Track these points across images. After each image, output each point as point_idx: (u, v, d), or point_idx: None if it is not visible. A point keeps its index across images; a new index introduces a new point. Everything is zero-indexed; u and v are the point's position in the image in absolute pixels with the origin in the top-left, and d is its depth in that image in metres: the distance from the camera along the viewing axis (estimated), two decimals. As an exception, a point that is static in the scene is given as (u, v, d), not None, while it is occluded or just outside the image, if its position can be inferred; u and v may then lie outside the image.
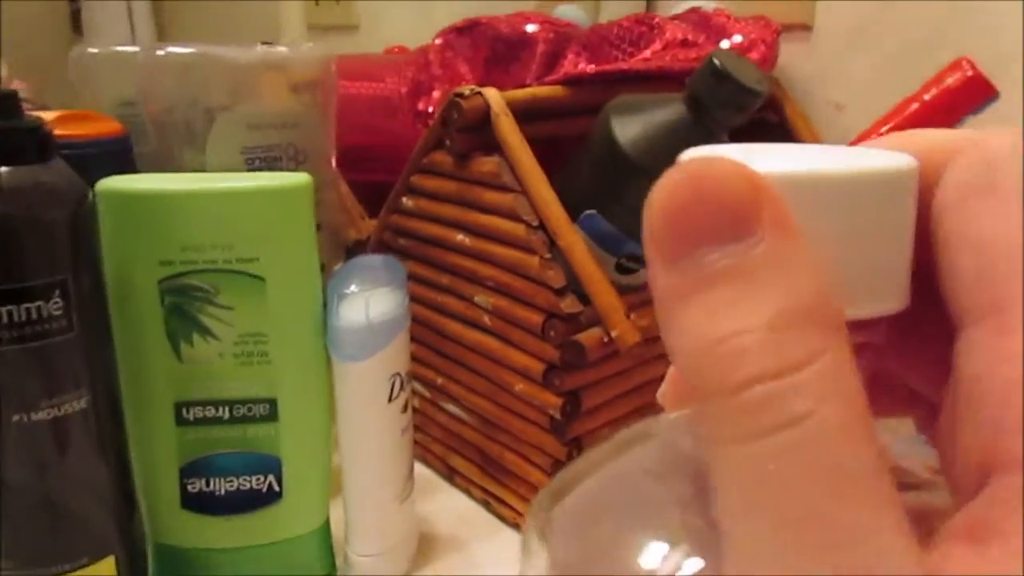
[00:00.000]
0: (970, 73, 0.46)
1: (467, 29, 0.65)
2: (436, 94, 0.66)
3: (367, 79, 0.67)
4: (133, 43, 0.65)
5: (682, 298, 0.12)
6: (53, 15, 0.67)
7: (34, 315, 0.29)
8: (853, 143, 0.48)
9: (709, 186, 0.11)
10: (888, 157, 0.13)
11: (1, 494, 0.30)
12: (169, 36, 0.70)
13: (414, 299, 0.49)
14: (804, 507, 0.11)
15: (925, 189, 0.13)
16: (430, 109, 0.65)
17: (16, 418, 0.29)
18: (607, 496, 0.15)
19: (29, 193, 0.29)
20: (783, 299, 0.11)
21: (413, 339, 0.50)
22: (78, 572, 0.32)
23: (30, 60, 0.59)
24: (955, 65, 0.47)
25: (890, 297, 0.13)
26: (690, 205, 0.12)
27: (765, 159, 0.12)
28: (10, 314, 0.28)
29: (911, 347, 0.15)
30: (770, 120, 0.56)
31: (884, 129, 0.46)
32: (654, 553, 0.13)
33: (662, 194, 0.12)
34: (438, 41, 0.65)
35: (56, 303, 0.29)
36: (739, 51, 0.55)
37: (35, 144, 0.29)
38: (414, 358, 0.50)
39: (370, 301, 0.37)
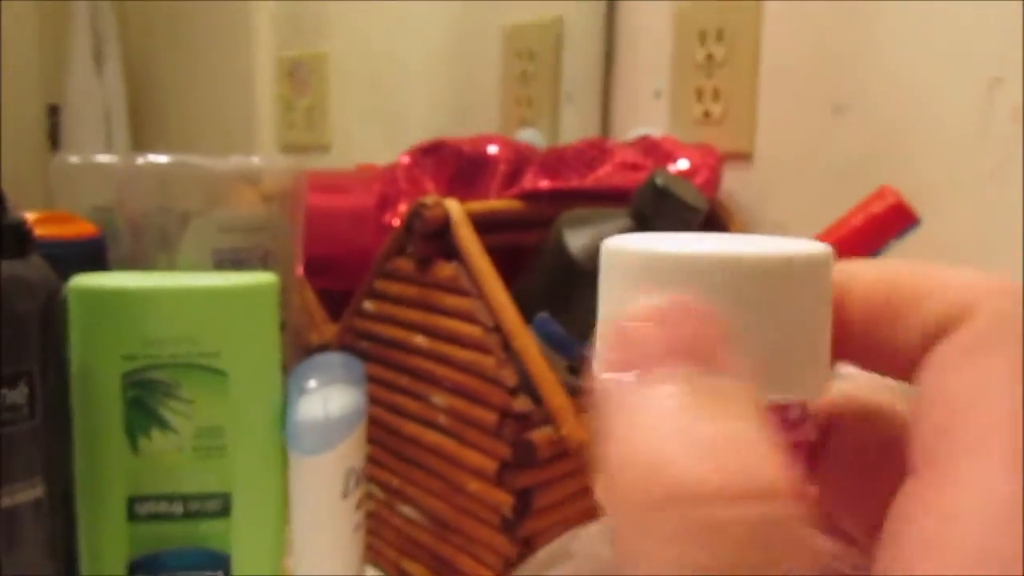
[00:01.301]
0: (892, 201, 0.50)
1: (433, 150, 0.69)
2: (402, 207, 0.69)
3: (336, 192, 0.71)
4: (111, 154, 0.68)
5: (634, 411, 0.12)
6: (31, 128, 0.70)
7: (-2, 401, 0.29)
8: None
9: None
10: (804, 244, 0.13)
11: (-55, 584, 0.30)
12: (146, 150, 0.73)
13: (374, 401, 0.50)
14: None
15: (890, 321, 0.14)
16: (395, 222, 0.68)
17: (-31, 504, 0.29)
18: None
19: (5, 285, 0.30)
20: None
21: (371, 441, 0.51)
22: (15, 670, 0.31)
23: (6, 172, 0.61)
24: (879, 193, 0.51)
25: (809, 384, 0.13)
26: (643, 326, 0.12)
27: (680, 243, 0.13)
28: (-25, 399, 0.29)
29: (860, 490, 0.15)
30: (715, 237, 0.59)
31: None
32: None
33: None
34: (405, 159, 0.69)
35: (22, 392, 0.30)
36: (685, 175, 0.59)
37: (15, 239, 0.31)
38: (372, 460, 0.51)
39: (329, 396, 0.38)
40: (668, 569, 0.11)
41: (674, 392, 0.11)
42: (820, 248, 0.13)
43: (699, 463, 0.11)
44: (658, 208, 0.41)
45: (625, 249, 0.14)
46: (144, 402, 0.36)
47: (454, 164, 0.67)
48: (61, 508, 0.33)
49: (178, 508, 0.37)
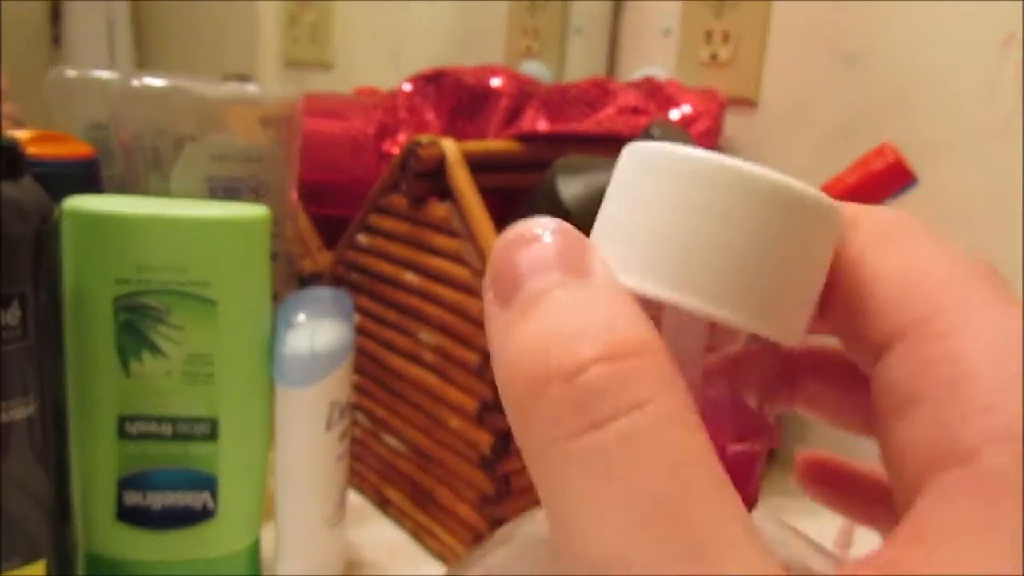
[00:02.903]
0: (892, 159, 0.50)
1: (435, 78, 0.68)
2: (401, 137, 0.69)
3: (335, 118, 0.70)
4: (112, 66, 0.67)
5: (515, 322, 0.12)
6: (35, 36, 0.69)
7: (-9, 322, 0.30)
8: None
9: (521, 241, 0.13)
10: (823, 195, 0.13)
11: (-60, 493, 0.31)
12: (149, 62, 0.72)
13: (362, 333, 0.51)
14: (660, 504, 0.10)
15: None
16: (394, 151, 0.68)
17: (-37, 420, 0.30)
18: None
19: (-2, 207, 0.30)
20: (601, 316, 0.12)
21: (358, 371, 0.52)
22: (10, 573, 0.33)
23: (11, 77, 0.61)
24: (879, 150, 0.51)
25: (789, 328, 0.13)
26: (513, 253, 0.13)
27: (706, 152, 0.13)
28: (-32, 320, 0.30)
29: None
30: (712, 186, 0.59)
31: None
32: None
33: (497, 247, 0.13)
34: (407, 87, 0.68)
35: (14, 313, 0.31)
36: (686, 120, 0.58)
37: (8, 161, 0.31)
38: (359, 389, 0.52)
39: (316, 331, 0.39)
40: (555, 442, 0.11)
41: (544, 297, 0.12)
42: (837, 203, 0.13)
43: (571, 343, 0.11)
44: (653, 161, 0.41)
45: (649, 147, 0.14)
46: (135, 326, 0.37)
47: (456, 95, 0.66)
48: (53, 426, 0.34)
49: (167, 429, 0.38)
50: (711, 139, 0.58)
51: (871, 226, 0.14)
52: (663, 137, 0.40)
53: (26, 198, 0.31)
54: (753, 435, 0.13)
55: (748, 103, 0.67)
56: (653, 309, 0.12)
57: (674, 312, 0.13)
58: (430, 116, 0.68)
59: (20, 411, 0.32)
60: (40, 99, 0.51)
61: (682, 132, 0.43)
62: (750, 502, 0.14)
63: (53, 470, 0.34)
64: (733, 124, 0.64)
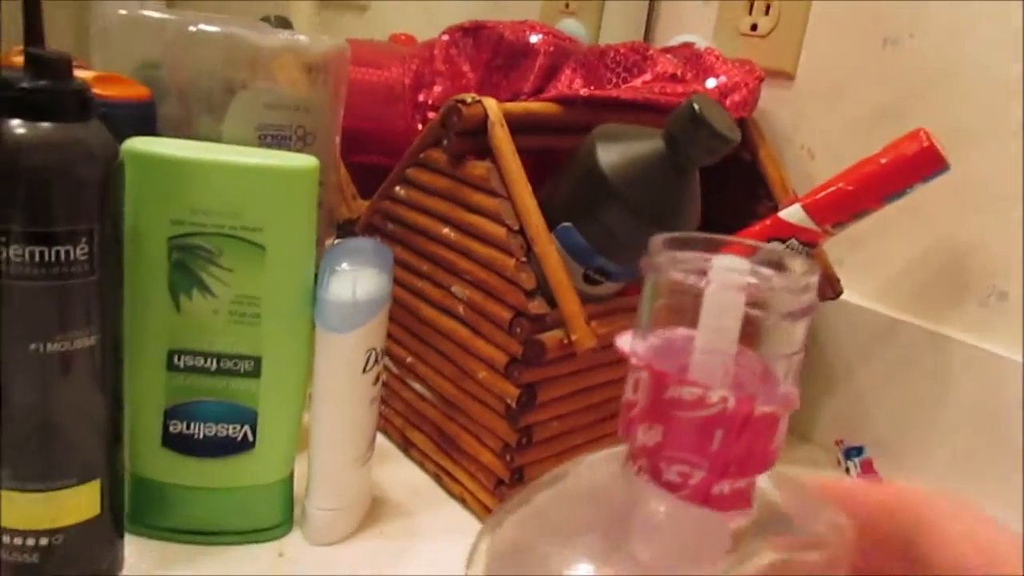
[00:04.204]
0: (925, 144, 0.51)
1: (473, 30, 0.69)
2: (437, 88, 0.69)
3: (372, 66, 0.71)
4: (142, 6, 0.67)
5: None
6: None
7: (62, 258, 0.32)
8: (816, 190, 0.52)
9: None
10: None
11: (8, 412, 0.33)
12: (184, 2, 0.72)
13: (395, 281, 0.53)
14: None
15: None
16: (429, 101, 0.69)
17: (33, 347, 0.32)
18: (537, 523, 0.17)
19: (69, 149, 0.32)
20: None
21: (390, 318, 0.54)
22: (66, 491, 0.35)
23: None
24: (913, 135, 0.51)
25: None
26: None
27: None
28: (41, 254, 0.31)
29: None
30: (743, 158, 0.60)
31: (842, 184, 0.51)
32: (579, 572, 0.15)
33: None
34: (444, 38, 0.68)
35: (82, 249, 0.32)
36: (722, 91, 0.59)
37: (78, 104, 0.32)
38: (388, 336, 0.54)
39: (358, 279, 0.41)
40: None
41: None
42: None
43: None
44: (691, 134, 0.42)
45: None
46: (187, 265, 0.39)
47: (493, 49, 0.66)
48: (112, 355, 0.36)
49: (212, 364, 0.40)
50: (746, 111, 0.59)
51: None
52: (703, 113, 0.41)
53: (95, 140, 0.33)
54: (777, 400, 0.15)
55: (785, 76, 0.67)
56: (693, 294, 0.14)
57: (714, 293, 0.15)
58: (466, 68, 0.69)
59: (84, 341, 0.34)
60: (71, 39, 0.52)
61: (721, 109, 0.44)
62: (772, 459, 0.16)
63: (110, 397, 0.36)
64: (767, 96, 0.64)
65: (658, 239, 0.17)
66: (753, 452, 0.15)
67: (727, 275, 0.15)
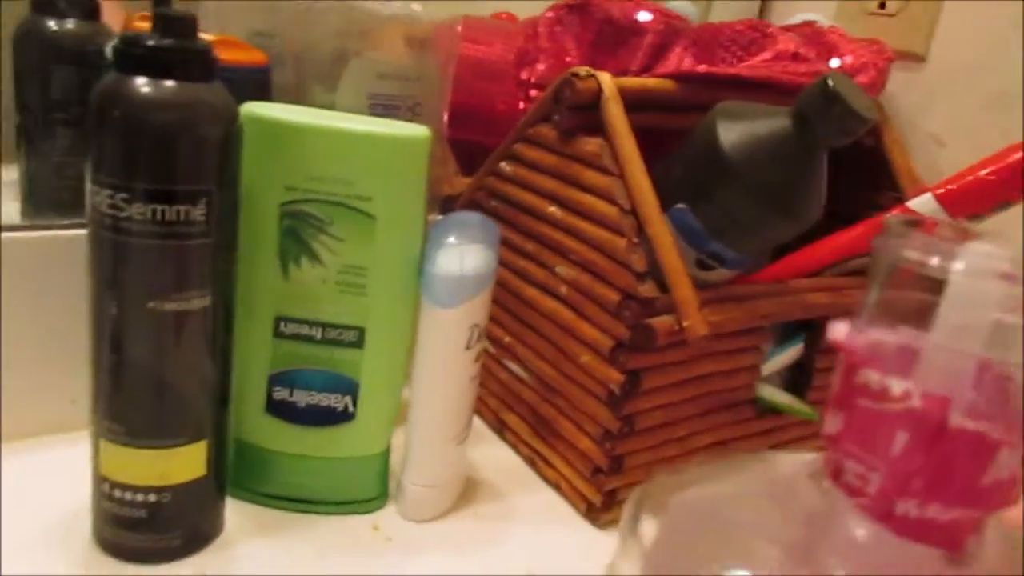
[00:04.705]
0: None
1: (578, 7, 0.67)
2: (541, 66, 0.68)
3: (476, 42, 0.70)
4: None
5: None
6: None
7: (181, 217, 0.32)
8: (950, 180, 0.48)
9: None
10: None
11: (124, 368, 0.34)
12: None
13: (495, 259, 0.52)
14: None
15: None
16: (532, 79, 0.67)
17: (150, 305, 0.33)
18: (720, 510, 0.16)
19: (193, 108, 0.32)
20: None
21: (488, 297, 0.53)
22: (175, 449, 0.35)
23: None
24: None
25: None
26: None
27: None
28: (162, 213, 0.31)
29: None
30: (865, 143, 0.57)
31: (983, 173, 0.47)
32: None
33: None
34: (549, 15, 0.67)
35: (201, 210, 0.32)
36: (848, 71, 0.55)
37: (203, 65, 0.32)
38: (486, 314, 0.53)
39: (465, 254, 0.40)
40: None
41: None
42: None
43: None
44: (824, 112, 0.39)
45: None
46: (297, 232, 0.39)
47: (599, 27, 0.64)
48: (223, 318, 0.36)
49: (317, 333, 0.40)
50: (873, 93, 0.55)
51: None
52: (839, 90, 0.38)
53: (217, 100, 0.33)
54: (998, 420, 0.13)
55: (915, 58, 0.63)
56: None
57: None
58: (571, 46, 0.67)
59: (199, 302, 0.34)
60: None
61: (857, 87, 0.41)
62: (990, 497, 0.13)
63: (220, 360, 0.36)
64: (897, 79, 0.60)
65: (895, 218, 0.15)
66: (953, 475, 0.13)
67: (981, 260, 0.13)
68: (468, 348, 0.41)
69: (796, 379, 0.51)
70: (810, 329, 0.50)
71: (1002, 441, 0.13)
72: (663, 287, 0.41)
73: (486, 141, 0.54)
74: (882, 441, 0.13)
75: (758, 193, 0.41)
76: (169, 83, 0.31)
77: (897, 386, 0.13)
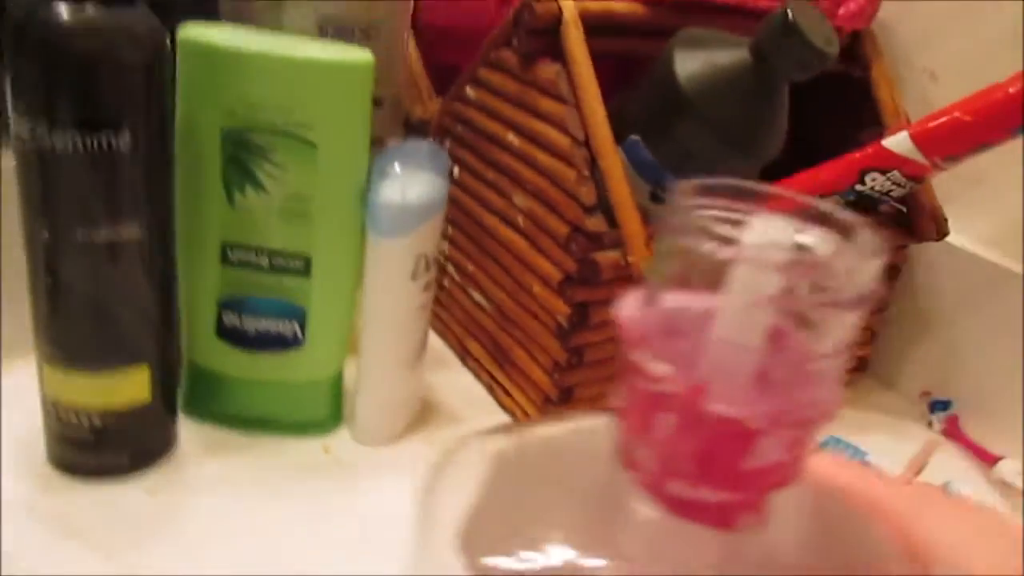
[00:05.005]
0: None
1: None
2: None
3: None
4: None
5: None
6: None
7: (104, 145, 0.32)
8: (928, 118, 0.46)
9: None
10: None
11: (60, 295, 0.34)
12: None
13: (462, 187, 0.51)
14: None
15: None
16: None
17: (81, 233, 0.33)
18: (538, 470, 0.16)
19: (113, 33, 0.31)
20: None
21: (454, 224, 0.53)
22: (115, 374, 0.36)
23: None
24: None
25: None
26: None
27: None
28: (84, 142, 0.31)
29: None
30: (852, 75, 0.54)
31: (957, 115, 0.45)
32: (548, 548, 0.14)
33: None
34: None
35: (125, 139, 0.32)
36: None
37: (123, -13, 0.31)
38: (452, 242, 0.53)
39: (408, 183, 0.39)
40: None
41: None
42: None
43: None
44: (782, 45, 0.37)
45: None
46: (241, 160, 0.39)
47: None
48: (161, 246, 0.36)
49: (264, 261, 0.40)
50: (863, 21, 0.53)
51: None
52: (797, 22, 0.37)
53: (140, 25, 0.32)
54: (756, 406, 0.13)
55: (914, -18, 0.60)
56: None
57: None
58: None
59: (130, 230, 0.34)
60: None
61: (822, 18, 0.39)
62: (752, 482, 0.13)
63: (158, 286, 0.37)
64: (890, 7, 0.57)
65: (684, 186, 0.14)
66: (715, 461, 0.13)
67: (762, 249, 0.12)
68: (414, 279, 0.41)
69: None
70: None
71: (761, 431, 0.12)
72: (613, 222, 0.41)
73: (463, 65, 0.53)
74: (651, 421, 0.13)
75: (714, 127, 0.40)
76: (89, 8, 0.31)
77: (660, 368, 0.12)
